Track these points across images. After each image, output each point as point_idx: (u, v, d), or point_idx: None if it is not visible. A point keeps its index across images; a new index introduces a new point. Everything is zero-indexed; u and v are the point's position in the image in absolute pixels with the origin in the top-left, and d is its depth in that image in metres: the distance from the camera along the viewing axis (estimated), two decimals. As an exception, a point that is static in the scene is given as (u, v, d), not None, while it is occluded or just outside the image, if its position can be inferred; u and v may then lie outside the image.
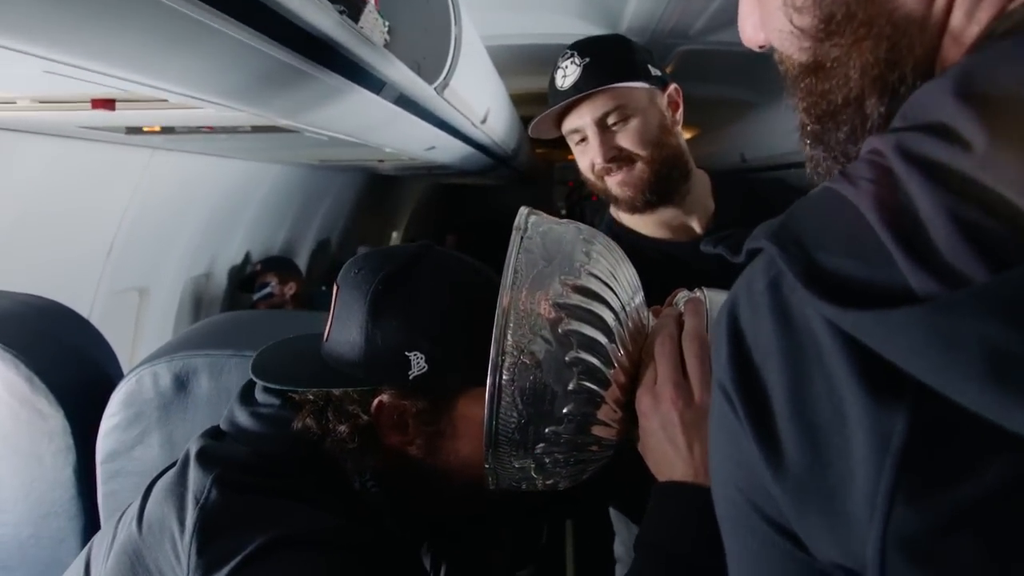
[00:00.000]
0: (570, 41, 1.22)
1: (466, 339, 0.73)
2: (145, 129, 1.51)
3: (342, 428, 0.73)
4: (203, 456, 0.73)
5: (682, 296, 0.76)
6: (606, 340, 0.66)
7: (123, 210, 2.04)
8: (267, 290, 2.96)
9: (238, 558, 0.63)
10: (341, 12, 1.00)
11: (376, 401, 0.73)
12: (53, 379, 1.01)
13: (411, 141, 2.20)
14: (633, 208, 1.21)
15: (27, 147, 1.56)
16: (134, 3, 0.68)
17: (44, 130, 1.52)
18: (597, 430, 0.67)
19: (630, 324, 0.69)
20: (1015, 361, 0.27)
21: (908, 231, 0.31)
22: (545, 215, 0.72)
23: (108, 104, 1.10)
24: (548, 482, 0.70)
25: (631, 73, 1.17)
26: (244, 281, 3.07)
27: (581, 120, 1.17)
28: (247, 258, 3.21)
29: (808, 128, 0.45)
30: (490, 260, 0.80)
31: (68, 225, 1.86)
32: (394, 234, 6.36)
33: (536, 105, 1.26)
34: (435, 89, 1.59)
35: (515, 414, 0.64)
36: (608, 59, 1.17)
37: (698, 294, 0.73)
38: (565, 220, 0.73)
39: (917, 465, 0.30)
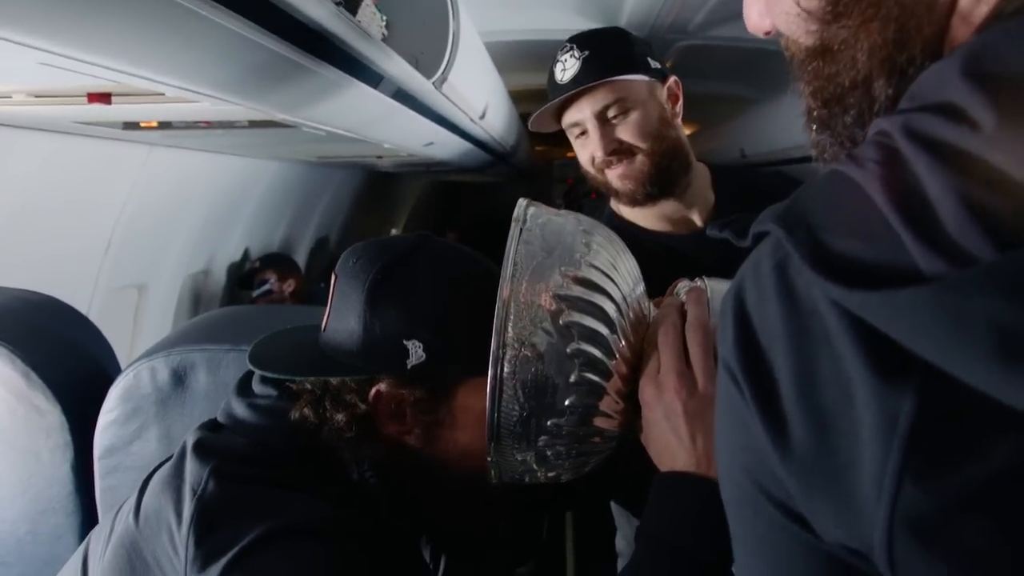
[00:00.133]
0: (568, 37, 1.21)
1: (465, 329, 0.73)
2: (142, 124, 1.50)
3: (339, 417, 0.73)
4: (200, 448, 0.73)
5: (683, 286, 0.75)
6: (607, 331, 0.65)
7: (121, 207, 2.04)
8: (266, 287, 2.96)
9: (236, 549, 0.63)
10: (338, 4, 1.00)
11: (374, 390, 0.73)
12: (50, 374, 1.01)
13: (409, 136, 2.19)
14: (634, 201, 1.20)
15: (24, 143, 1.55)
16: (129, -7, 0.68)
17: (41, 126, 1.51)
18: (599, 421, 0.67)
19: (631, 315, 0.68)
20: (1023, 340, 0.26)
21: (915, 211, 0.31)
22: (544, 206, 0.72)
23: (104, 98, 1.10)
24: (550, 474, 0.69)
25: (630, 66, 1.16)
26: (243, 278, 3.07)
27: (581, 113, 1.17)
28: (246, 255, 3.21)
29: (814, 113, 0.44)
30: (490, 257, 0.79)
31: (66, 222, 1.86)
32: (393, 231, 6.36)
33: (535, 101, 1.25)
34: (433, 84, 1.59)
35: (517, 407, 0.63)
36: (607, 52, 1.17)
37: (699, 283, 0.73)
38: (564, 211, 0.72)
39: (925, 446, 0.30)
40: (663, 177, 1.18)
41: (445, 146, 2.65)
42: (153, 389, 0.98)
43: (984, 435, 0.29)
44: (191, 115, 1.40)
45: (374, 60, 1.24)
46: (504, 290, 0.63)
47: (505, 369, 0.63)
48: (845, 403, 0.32)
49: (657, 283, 0.78)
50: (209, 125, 1.52)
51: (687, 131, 1.27)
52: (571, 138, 1.24)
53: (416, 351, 0.71)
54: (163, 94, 1.06)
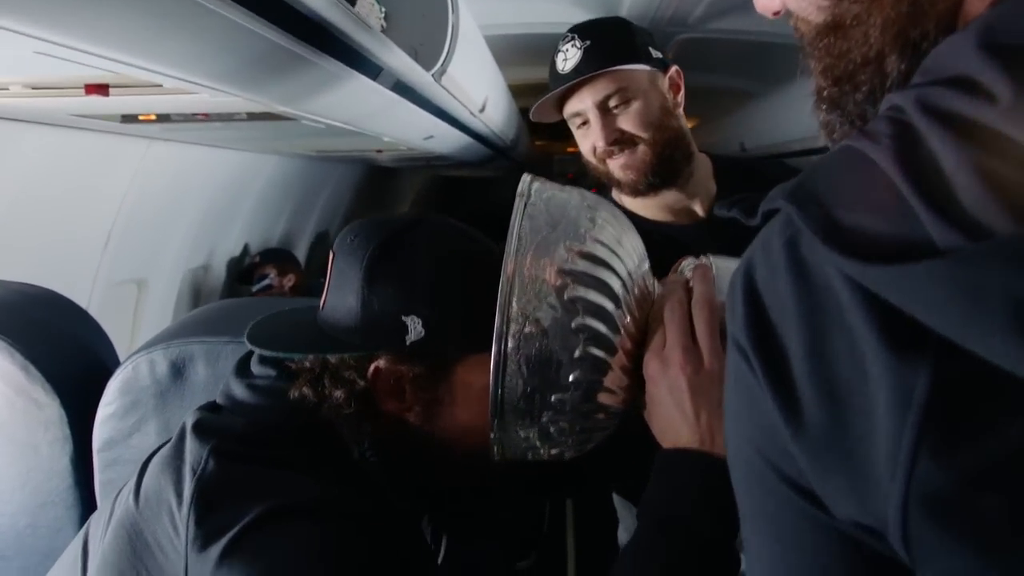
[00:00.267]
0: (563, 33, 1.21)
1: (465, 305, 0.72)
2: (140, 117, 1.50)
3: (338, 393, 0.72)
4: (199, 428, 0.72)
5: (688, 263, 0.75)
6: (613, 306, 0.65)
7: (120, 202, 2.03)
8: (266, 282, 2.96)
9: (236, 528, 0.63)
10: (337, -6, 0.99)
11: (373, 367, 0.72)
12: (49, 368, 1.00)
13: (409, 129, 2.19)
14: (636, 191, 1.20)
15: (22, 137, 1.54)
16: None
17: (38, 119, 1.51)
18: (603, 397, 0.66)
19: (636, 291, 0.68)
20: None
21: (930, 185, 0.30)
22: (548, 182, 0.71)
23: (102, 89, 1.09)
24: (553, 452, 0.69)
25: (632, 56, 1.16)
26: (243, 273, 3.06)
27: (582, 103, 1.17)
28: (245, 250, 3.20)
29: (824, 92, 0.44)
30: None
31: (65, 217, 1.85)
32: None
33: (534, 95, 1.25)
34: (432, 76, 1.58)
35: (520, 382, 0.63)
36: (609, 42, 1.16)
37: (704, 261, 0.72)
38: (569, 187, 0.72)
39: (940, 421, 0.30)
40: (665, 167, 1.18)
41: (445, 140, 2.65)
42: (152, 382, 0.98)
43: (1001, 410, 0.29)
44: (189, 107, 1.39)
45: (373, 51, 1.24)
46: (508, 264, 0.63)
47: (509, 344, 0.62)
48: (859, 379, 0.32)
49: (659, 273, 0.77)
50: (207, 118, 1.51)
51: (687, 125, 1.27)
52: (573, 128, 1.23)
53: (415, 327, 0.70)
54: (161, 85, 1.06)
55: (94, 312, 1.67)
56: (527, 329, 0.62)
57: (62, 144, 1.66)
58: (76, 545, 0.79)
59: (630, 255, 0.69)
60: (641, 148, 1.17)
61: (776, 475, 0.37)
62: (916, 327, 0.30)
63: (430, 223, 0.77)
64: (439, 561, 0.90)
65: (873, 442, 0.32)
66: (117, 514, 0.73)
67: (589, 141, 1.19)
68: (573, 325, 0.63)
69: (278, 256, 3.14)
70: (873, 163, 0.33)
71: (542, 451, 0.68)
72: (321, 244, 4.20)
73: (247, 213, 3.06)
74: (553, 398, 0.64)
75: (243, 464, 0.68)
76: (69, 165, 1.76)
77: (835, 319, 0.33)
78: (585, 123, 1.19)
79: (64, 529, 1.03)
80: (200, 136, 2.02)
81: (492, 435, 0.66)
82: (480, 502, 0.89)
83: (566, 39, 1.17)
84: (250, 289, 2.98)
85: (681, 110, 1.23)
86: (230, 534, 0.62)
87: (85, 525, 0.80)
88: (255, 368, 0.78)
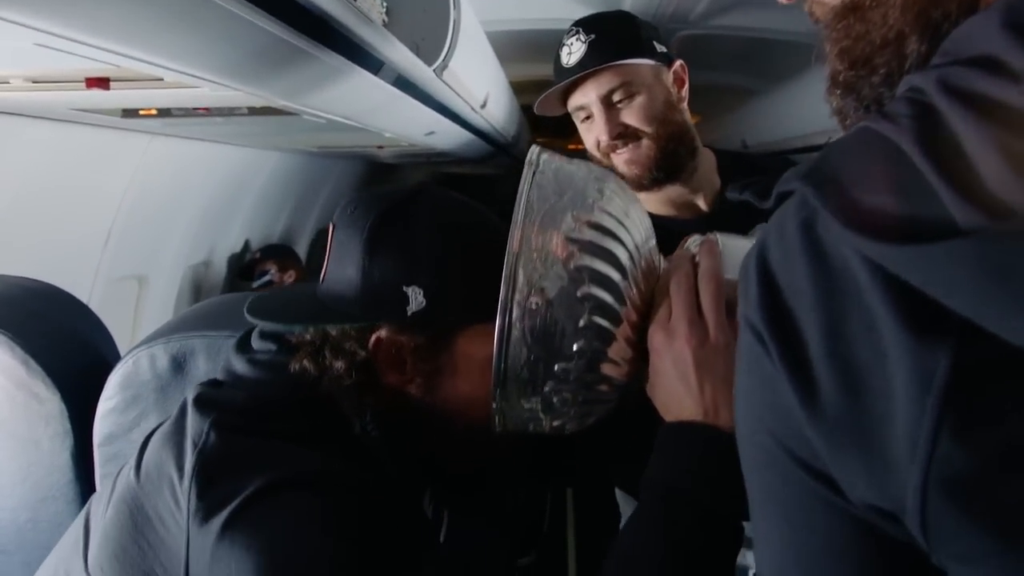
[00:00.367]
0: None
1: (466, 275, 0.72)
2: (141, 112, 1.49)
3: (339, 364, 0.72)
4: (200, 402, 0.72)
5: (694, 239, 0.75)
6: (619, 277, 0.65)
7: (121, 198, 2.03)
8: (266, 278, 2.95)
9: (238, 500, 0.62)
10: (338, -13, 0.99)
11: (374, 337, 0.72)
12: (49, 362, 1.00)
13: (410, 125, 2.18)
14: (640, 186, 1.20)
15: (22, 131, 1.54)
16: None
17: (38, 113, 1.50)
18: (607, 368, 0.66)
19: (643, 264, 0.68)
20: None
21: (952, 164, 0.30)
22: (557, 154, 0.71)
23: (102, 83, 1.08)
24: (555, 423, 0.68)
25: (636, 50, 1.16)
26: (243, 269, 3.06)
27: (586, 97, 1.17)
28: (246, 246, 3.20)
29: (840, 77, 0.43)
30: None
31: (65, 212, 1.85)
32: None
33: (536, 92, 1.25)
34: (434, 71, 1.58)
35: (524, 350, 0.63)
36: (613, 36, 1.16)
37: (711, 237, 0.72)
38: (576, 160, 0.72)
39: (961, 404, 0.29)
40: (669, 162, 1.18)
41: (446, 136, 2.64)
42: (153, 376, 0.98)
43: (1023, 393, 0.28)
44: (190, 101, 1.39)
45: (374, 45, 1.23)
46: (516, 232, 0.62)
47: (514, 312, 0.62)
48: (877, 361, 0.32)
49: (662, 266, 0.77)
50: (208, 112, 1.51)
51: (691, 120, 1.26)
52: (577, 122, 1.23)
53: (416, 297, 0.70)
54: (162, 79, 1.05)
55: (95, 307, 1.66)
56: (532, 297, 0.62)
57: (63, 139, 1.66)
58: (77, 526, 0.78)
59: (637, 228, 0.69)
60: (645, 142, 1.17)
61: (789, 457, 0.37)
62: (937, 308, 0.29)
63: (431, 194, 0.77)
64: (441, 539, 0.90)
65: (892, 424, 0.31)
66: (118, 490, 0.72)
67: (593, 135, 1.19)
68: (579, 294, 0.63)
69: (279, 252, 3.14)
70: (892, 143, 0.33)
71: (544, 423, 0.68)
72: (322, 241, 4.19)
73: (248, 209, 3.06)
74: (557, 367, 0.64)
75: (245, 437, 0.68)
76: (70, 160, 1.76)
77: (853, 300, 0.33)
78: (589, 117, 1.19)
79: (65, 524, 1.02)
80: (201, 131, 2.01)
81: (494, 405, 0.66)
82: (480, 478, 0.88)
83: (571, 32, 1.17)
84: (251, 285, 2.97)
85: (685, 104, 1.23)
86: (232, 506, 0.62)
87: (86, 506, 0.80)
88: (255, 343, 0.78)
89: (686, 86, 1.23)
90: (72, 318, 1.13)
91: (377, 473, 0.72)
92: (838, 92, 0.44)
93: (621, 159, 1.18)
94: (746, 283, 0.38)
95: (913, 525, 0.31)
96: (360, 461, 0.71)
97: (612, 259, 0.65)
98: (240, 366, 0.76)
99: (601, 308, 0.64)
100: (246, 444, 0.68)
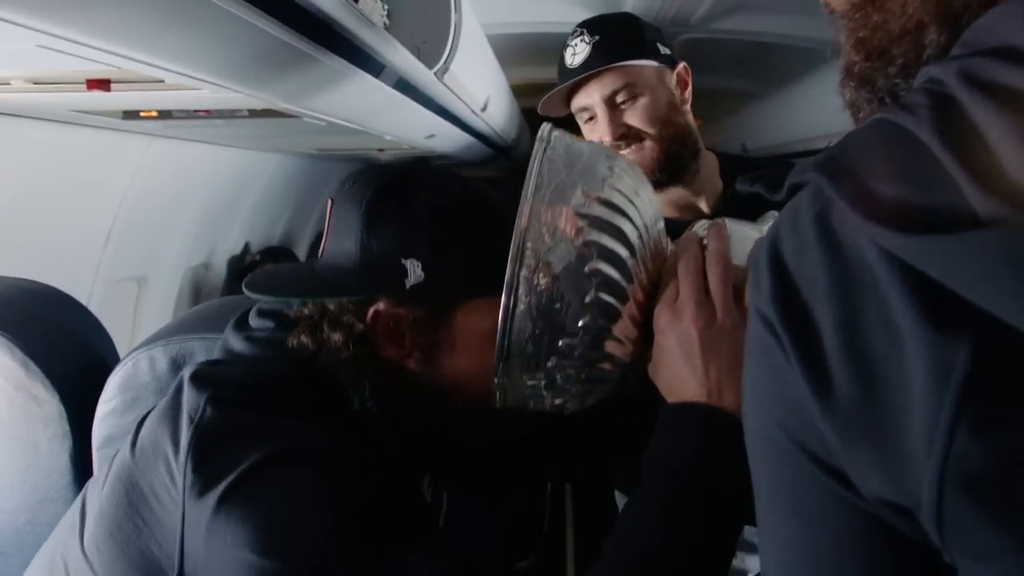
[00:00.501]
0: (571, 30, 1.21)
1: (465, 248, 0.71)
2: (142, 114, 1.49)
3: (336, 337, 0.71)
4: (196, 378, 0.71)
5: (702, 224, 0.74)
6: (627, 254, 0.64)
7: (121, 199, 2.03)
8: (266, 280, 2.95)
9: (234, 474, 0.61)
10: (339, -10, 0.99)
11: (372, 310, 0.71)
12: (48, 364, 1.00)
13: (411, 128, 2.18)
14: None
15: (22, 132, 1.54)
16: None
17: (39, 114, 1.50)
18: (611, 346, 0.66)
19: (651, 244, 0.68)
20: None
21: (973, 155, 0.29)
22: (567, 132, 0.71)
23: (103, 84, 1.09)
24: (556, 401, 0.68)
25: (640, 51, 1.16)
26: (243, 271, 3.06)
27: (590, 98, 1.17)
28: (246, 248, 3.20)
29: (855, 68, 0.42)
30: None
31: (65, 213, 1.85)
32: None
33: (537, 95, 1.25)
34: (435, 74, 1.58)
35: (529, 324, 0.62)
36: (617, 37, 1.16)
37: (719, 222, 0.72)
38: (587, 140, 0.72)
39: (980, 398, 0.29)
40: (672, 163, 1.18)
41: (446, 139, 2.64)
42: (152, 378, 0.97)
43: None
44: (191, 103, 1.39)
45: (376, 48, 1.23)
46: (525, 206, 0.62)
47: (520, 286, 0.61)
48: (894, 354, 0.31)
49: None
50: (209, 114, 1.51)
51: (694, 122, 1.27)
52: (580, 123, 1.23)
53: (415, 270, 0.69)
54: (163, 81, 1.05)
55: (94, 309, 1.65)
56: (539, 271, 0.61)
57: (63, 140, 1.66)
58: (74, 510, 0.77)
59: (646, 207, 0.68)
60: (648, 144, 1.17)
61: (800, 450, 0.36)
62: (955, 301, 0.29)
63: (429, 169, 0.77)
64: (440, 523, 0.89)
65: (908, 418, 0.31)
66: (114, 469, 0.72)
67: (596, 136, 1.19)
68: (586, 269, 0.62)
69: (279, 255, 3.14)
70: (910, 134, 0.32)
71: (545, 400, 0.68)
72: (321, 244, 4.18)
73: (248, 211, 3.06)
74: (561, 343, 0.63)
75: (241, 411, 0.67)
76: (70, 162, 1.76)
77: (869, 292, 0.32)
78: (592, 118, 1.19)
79: (63, 526, 1.03)
80: (201, 133, 2.01)
81: (496, 380, 0.65)
82: (480, 458, 0.87)
83: (575, 34, 1.18)
84: (250, 287, 2.97)
85: (688, 107, 1.23)
86: (227, 480, 0.61)
87: (82, 491, 0.79)
88: (253, 321, 0.77)
89: (689, 88, 1.24)
90: (71, 320, 1.13)
91: (376, 449, 0.71)
92: (852, 84, 0.43)
93: None
94: (757, 274, 0.37)
95: (928, 520, 0.31)
96: (359, 437, 0.70)
97: (621, 236, 0.64)
98: (237, 344, 0.75)
99: (608, 284, 0.64)
100: (243, 418, 0.67)
